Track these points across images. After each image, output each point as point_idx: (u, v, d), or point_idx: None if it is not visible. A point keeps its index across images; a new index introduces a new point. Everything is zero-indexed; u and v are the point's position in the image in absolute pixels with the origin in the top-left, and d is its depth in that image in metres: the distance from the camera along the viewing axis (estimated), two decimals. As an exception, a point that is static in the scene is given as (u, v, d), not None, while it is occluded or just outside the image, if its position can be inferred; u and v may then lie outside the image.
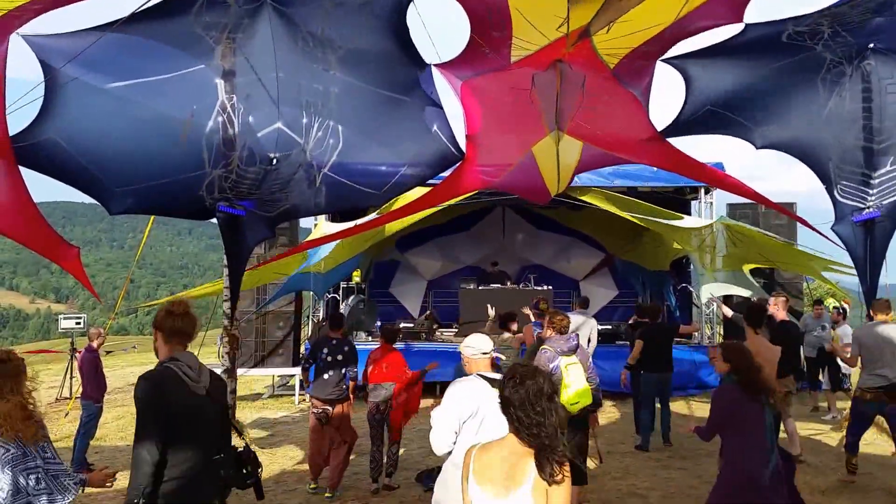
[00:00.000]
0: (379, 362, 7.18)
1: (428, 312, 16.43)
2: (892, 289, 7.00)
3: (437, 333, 15.22)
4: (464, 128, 4.96)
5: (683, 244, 11.96)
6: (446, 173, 5.42)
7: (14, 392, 3.26)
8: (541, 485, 2.44)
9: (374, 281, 17.69)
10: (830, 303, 13.13)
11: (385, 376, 7.12)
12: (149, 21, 4.07)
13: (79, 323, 14.23)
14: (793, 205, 12.38)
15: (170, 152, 4.57)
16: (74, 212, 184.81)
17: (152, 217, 8.86)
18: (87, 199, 4.54)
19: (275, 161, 4.83)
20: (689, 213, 14.11)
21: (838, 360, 9.87)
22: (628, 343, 10.33)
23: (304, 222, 13.57)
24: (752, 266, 11.71)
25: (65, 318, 14.44)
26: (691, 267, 14.60)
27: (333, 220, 11.91)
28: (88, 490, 3.64)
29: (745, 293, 10.89)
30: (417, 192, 7.00)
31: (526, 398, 2.47)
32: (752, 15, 4.34)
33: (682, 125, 5.12)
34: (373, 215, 9.06)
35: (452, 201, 8.47)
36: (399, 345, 8.92)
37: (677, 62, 4.88)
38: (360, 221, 8.74)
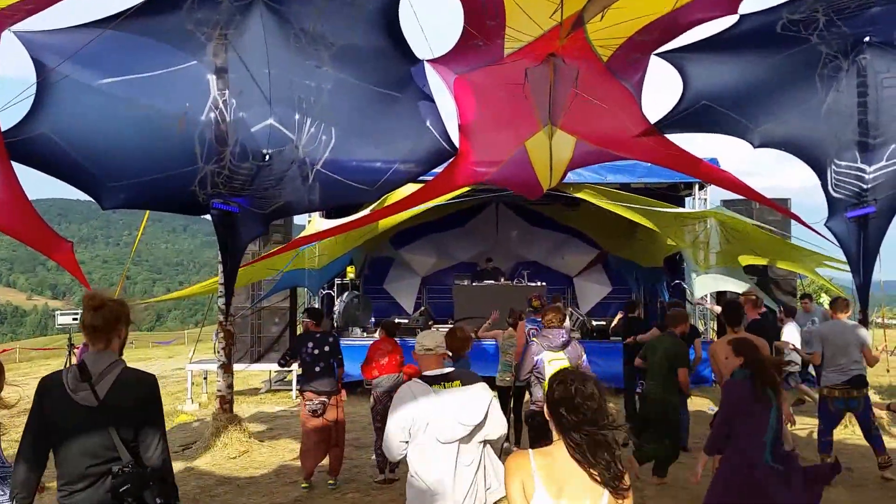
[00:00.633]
0: (387, 354, 7.26)
1: (422, 308, 16.42)
2: (886, 285, 7.03)
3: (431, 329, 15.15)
4: (457, 119, 4.96)
5: (677, 240, 11.95)
6: (439, 169, 5.43)
7: None
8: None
9: (368, 277, 17.67)
10: (825, 300, 13.12)
11: (389, 368, 7.19)
12: (140, 18, 4.05)
13: (76, 319, 14.16)
14: (787, 201, 12.33)
15: (162, 148, 4.57)
16: (70, 209, 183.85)
17: (147, 213, 8.83)
18: (83, 196, 4.53)
19: (267, 157, 4.84)
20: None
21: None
22: (620, 339, 10.17)
23: (299, 219, 13.56)
24: (746, 262, 11.72)
25: (61, 315, 14.39)
26: (684, 263, 14.61)
27: (328, 216, 11.89)
28: None
29: (739, 289, 10.84)
30: (410, 188, 7.01)
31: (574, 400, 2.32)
32: (747, 5, 4.33)
33: (677, 119, 5.11)
34: (366, 211, 9.06)
35: (446, 197, 8.47)
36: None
37: (672, 56, 4.85)
38: (353, 217, 8.74)
